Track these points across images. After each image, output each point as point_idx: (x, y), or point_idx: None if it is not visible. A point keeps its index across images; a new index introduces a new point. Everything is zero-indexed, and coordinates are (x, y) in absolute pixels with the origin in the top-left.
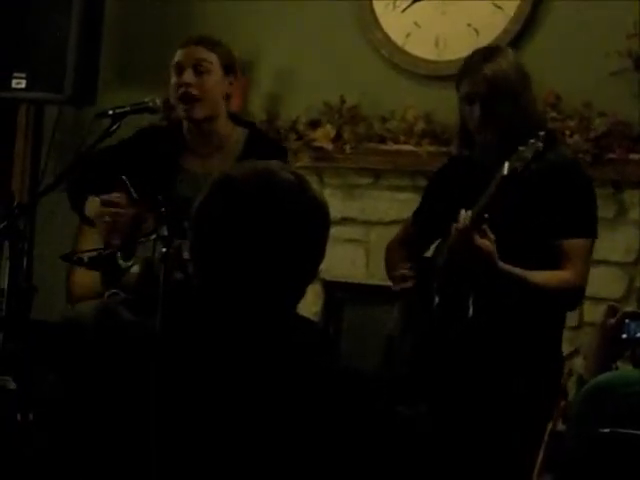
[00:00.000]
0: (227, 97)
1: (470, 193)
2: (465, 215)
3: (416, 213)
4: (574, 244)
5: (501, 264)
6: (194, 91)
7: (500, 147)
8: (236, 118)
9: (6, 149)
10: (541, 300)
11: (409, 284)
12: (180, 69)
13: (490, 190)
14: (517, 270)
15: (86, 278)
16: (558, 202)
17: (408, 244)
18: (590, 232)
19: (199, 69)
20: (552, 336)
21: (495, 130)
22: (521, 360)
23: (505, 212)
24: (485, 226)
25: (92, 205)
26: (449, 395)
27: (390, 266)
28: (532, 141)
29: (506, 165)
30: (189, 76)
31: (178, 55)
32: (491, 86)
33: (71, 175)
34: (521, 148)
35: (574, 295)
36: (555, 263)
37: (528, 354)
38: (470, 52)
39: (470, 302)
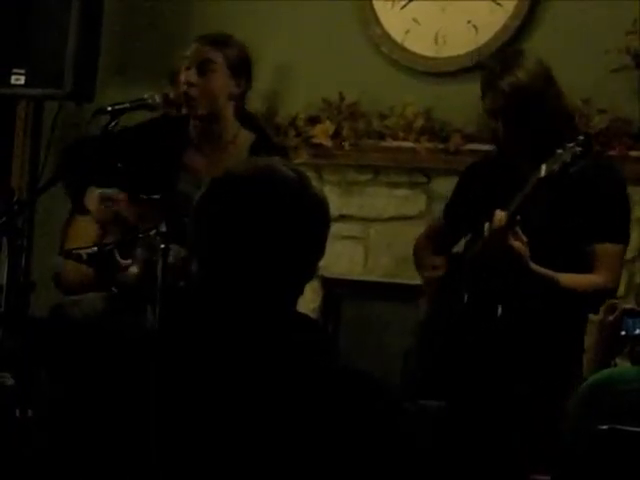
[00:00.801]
0: (234, 98)
1: (502, 192)
2: (500, 215)
3: (447, 207)
4: (606, 249)
5: (533, 265)
6: (193, 91)
7: (532, 151)
8: (245, 120)
9: (5, 145)
10: (571, 302)
11: (440, 272)
12: (187, 66)
13: (525, 191)
14: (548, 272)
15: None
16: (592, 206)
17: (436, 238)
18: (622, 237)
19: (203, 69)
20: (576, 338)
21: (522, 140)
22: (546, 361)
23: (540, 214)
24: (517, 228)
25: (92, 198)
26: (472, 392)
27: (419, 260)
28: (570, 145)
29: (543, 167)
30: (192, 75)
31: (188, 51)
32: (510, 102)
33: (69, 161)
34: (559, 151)
35: (604, 299)
36: (587, 267)
37: (553, 355)
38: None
39: (499, 301)
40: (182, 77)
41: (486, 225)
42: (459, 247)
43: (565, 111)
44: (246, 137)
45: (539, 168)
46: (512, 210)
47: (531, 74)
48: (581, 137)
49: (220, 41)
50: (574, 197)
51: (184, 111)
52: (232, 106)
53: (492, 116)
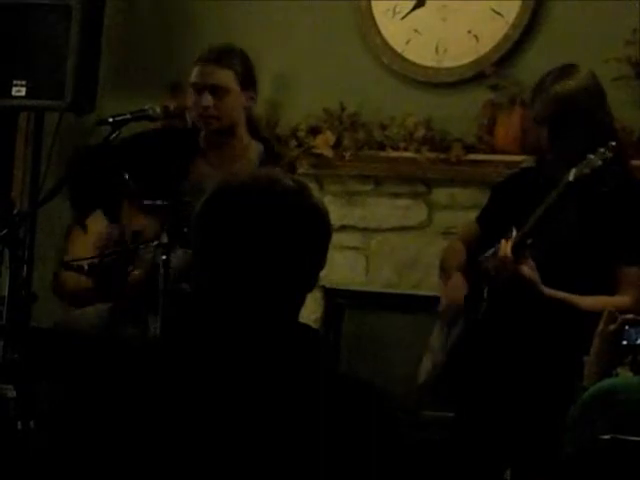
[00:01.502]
0: (247, 110)
1: (536, 205)
2: (505, 246)
3: (481, 215)
4: (630, 271)
5: (546, 290)
6: (213, 112)
7: (571, 165)
8: (254, 131)
9: (6, 156)
10: (590, 323)
11: (459, 294)
12: (198, 90)
13: (548, 201)
14: (566, 295)
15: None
16: (625, 228)
17: (470, 243)
18: None
19: (216, 92)
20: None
21: (564, 152)
22: (548, 371)
23: (570, 227)
24: (527, 253)
25: (95, 224)
26: (478, 403)
27: (446, 262)
28: (602, 150)
29: (573, 171)
30: (207, 99)
31: (195, 74)
32: (559, 109)
33: (74, 171)
34: (590, 156)
35: None
36: (609, 286)
37: (556, 365)
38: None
39: (514, 318)
40: (194, 99)
41: (498, 245)
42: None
43: (611, 127)
44: (255, 148)
45: (568, 172)
46: (524, 232)
47: (583, 85)
48: (612, 143)
49: (225, 57)
50: (607, 215)
51: (201, 127)
52: (245, 117)
53: (539, 123)
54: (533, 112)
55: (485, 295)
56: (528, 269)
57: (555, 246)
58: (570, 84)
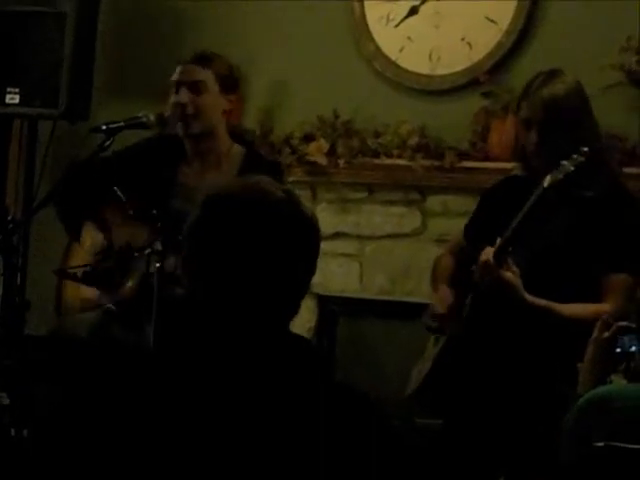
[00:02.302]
0: (226, 113)
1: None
2: (487, 252)
3: (467, 226)
4: (622, 279)
5: (528, 296)
6: (190, 110)
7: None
8: (235, 135)
9: (0, 164)
10: (572, 331)
11: (437, 324)
12: (177, 88)
13: (525, 208)
14: (547, 303)
15: (78, 292)
16: (613, 235)
17: (458, 254)
18: (635, 269)
19: (195, 89)
20: (574, 357)
21: (551, 156)
22: (542, 378)
23: (555, 233)
24: (509, 260)
25: (88, 237)
26: (469, 410)
27: (435, 274)
28: (574, 156)
29: (548, 178)
30: (185, 95)
31: (176, 73)
32: (548, 112)
33: (64, 187)
34: (564, 162)
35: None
36: (594, 293)
37: (549, 372)
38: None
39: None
40: (173, 99)
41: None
42: None
43: (595, 131)
44: (238, 151)
45: (543, 179)
46: (505, 238)
47: (572, 91)
48: (585, 149)
49: (206, 59)
50: (592, 221)
51: (179, 131)
52: (224, 122)
53: (526, 126)
54: (520, 116)
55: (468, 302)
56: (510, 275)
57: (538, 253)
58: (558, 88)
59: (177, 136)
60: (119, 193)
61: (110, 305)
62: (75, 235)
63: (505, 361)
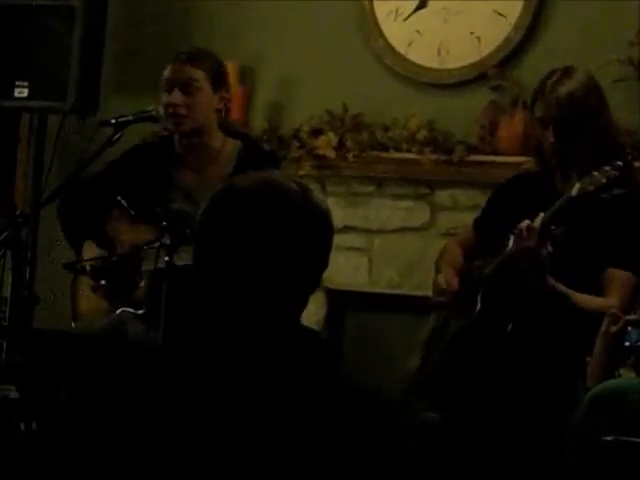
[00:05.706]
0: (219, 111)
1: (533, 210)
2: (537, 219)
3: (477, 221)
4: (621, 275)
5: (550, 279)
6: (182, 110)
7: (574, 170)
8: (227, 129)
9: (8, 158)
10: (582, 320)
11: (443, 299)
12: (168, 87)
13: (553, 208)
14: (564, 288)
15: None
16: (621, 232)
17: (467, 246)
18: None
19: (187, 88)
20: (582, 350)
21: (569, 154)
22: (551, 373)
23: (565, 232)
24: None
25: (89, 252)
26: (475, 404)
27: (442, 259)
28: (607, 168)
29: (577, 186)
30: (177, 96)
31: (166, 72)
32: (564, 111)
33: (63, 204)
34: (595, 173)
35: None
36: (596, 287)
37: (558, 367)
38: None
39: (511, 318)
40: (164, 99)
41: (512, 238)
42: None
43: (613, 129)
44: (232, 145)
45: (572, 186)
46: (547, 217)
47: (586, 88)
48: (619, 162)
49: (196, 57)
50: (602, 219)
51: (171, 128)
52: (216, 118)
53: (542, 125)
54: (536, 115)
55: (479, 300)
56: (545, 251)
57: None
58: (574, 85)
59: (167, 137)
60: (122, 202)
61: (127, 309)
62: (78, 253)
63: (515, 355)
